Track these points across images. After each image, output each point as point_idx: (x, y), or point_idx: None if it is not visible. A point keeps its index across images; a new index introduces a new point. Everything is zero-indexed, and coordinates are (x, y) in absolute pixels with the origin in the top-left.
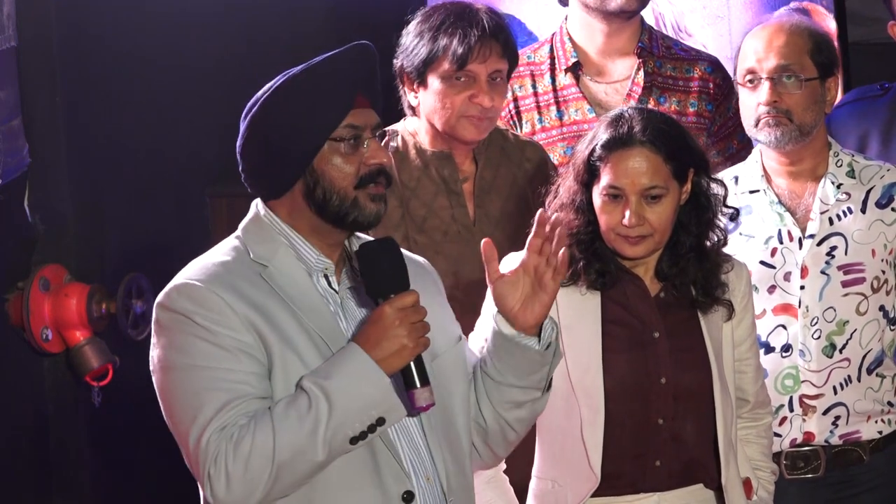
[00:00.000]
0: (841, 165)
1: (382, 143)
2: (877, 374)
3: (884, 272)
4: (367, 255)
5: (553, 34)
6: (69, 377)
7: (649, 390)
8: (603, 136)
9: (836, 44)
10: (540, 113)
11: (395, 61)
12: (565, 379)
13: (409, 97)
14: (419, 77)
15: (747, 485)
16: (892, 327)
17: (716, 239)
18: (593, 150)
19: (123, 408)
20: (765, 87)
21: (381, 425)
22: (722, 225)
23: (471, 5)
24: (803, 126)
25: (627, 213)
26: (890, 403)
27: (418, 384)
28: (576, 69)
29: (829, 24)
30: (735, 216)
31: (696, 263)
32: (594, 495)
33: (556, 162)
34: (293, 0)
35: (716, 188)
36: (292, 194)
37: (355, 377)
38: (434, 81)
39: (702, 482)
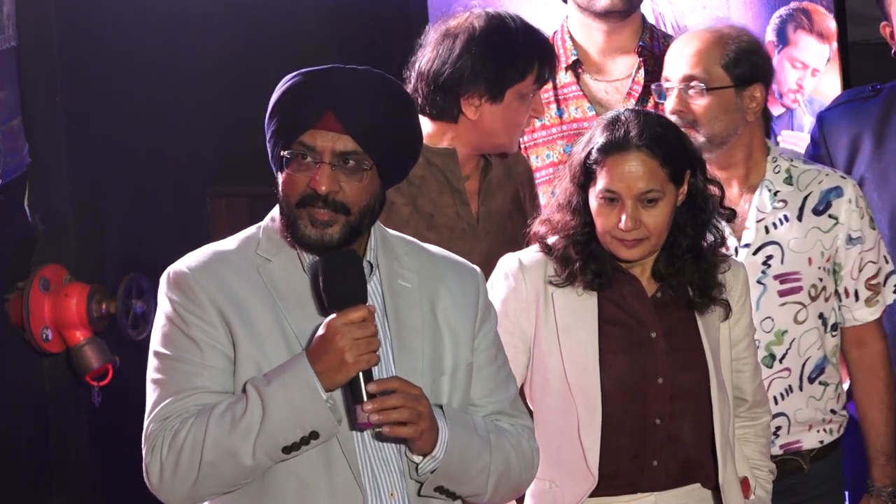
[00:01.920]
0: (779, 171)
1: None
2: (819, 383)
3: (821, 280)
4: (326, 267)
5: (555, 32)
6: (69, 377)
7: (646, 390)
8: (599, 139)
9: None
10: None
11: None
12: (562, 379)
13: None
14: (496, 92)
15: (745, 484)
16: (833, 334)
17: (712, 239)
18: (590, 152)
19: (123, 408)
20: (672, 95)
21: (314, 438)
22: (719, 225)
23: (524, 20)
24: (712, 136)
25: (624, 218)
26: (833, 411)
27: (364, 399)
28: (576, 67)
29: (830, 24)
30: (731, 217)
31: (692, 264)
32: (592, 495)
33: (555, 160)
34: (294, 1)
35: (712, 189)
36: None
37: (291, 388)
38: (511, 98)
39: (699, 482)
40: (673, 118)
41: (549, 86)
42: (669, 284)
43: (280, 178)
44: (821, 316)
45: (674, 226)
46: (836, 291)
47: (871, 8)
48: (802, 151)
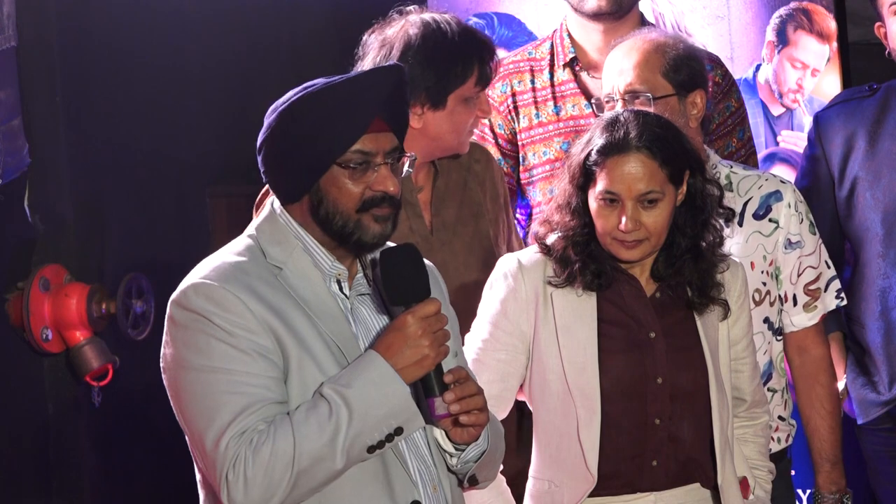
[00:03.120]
0: (719, 178)
1: (400, 164)
2: (767, 389)
3: (765, 284)
4: (388, 262)
5: (554, 31)
6: (69, 377)
7: (646, 391)
8: (598, 140)
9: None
10: (537, 108)
11: None
12: (562, 380)
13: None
14: (438, 99)
15: (744, 484)
16: (779, 339)
17: (711, 238)
18: (589, 154)
19: (123, 408)
20: (618, 108)
21: (398, 434)
22: (718, 225)
23: (459, 22)
24: None
25: (624, 219)
26: (781, 418)
27: (437, 392)
28: (573, 65)
29: (830, 24)
30: (730, 217)
31: (691, 264)
32: (591, 495)
33: (552, 157)
34: (294, 1)
35: (711, 189)
36: (301, 205)
37: (376, 386)
38: (454, 103)
39: (698, 481)
40: None
41: (547, 84)
42: (668, 284)
43: (322, 188)
44: (766, 320)
45: (673, 226)
46: (779, 296)
47: (870, 8)
48: (802, 151)
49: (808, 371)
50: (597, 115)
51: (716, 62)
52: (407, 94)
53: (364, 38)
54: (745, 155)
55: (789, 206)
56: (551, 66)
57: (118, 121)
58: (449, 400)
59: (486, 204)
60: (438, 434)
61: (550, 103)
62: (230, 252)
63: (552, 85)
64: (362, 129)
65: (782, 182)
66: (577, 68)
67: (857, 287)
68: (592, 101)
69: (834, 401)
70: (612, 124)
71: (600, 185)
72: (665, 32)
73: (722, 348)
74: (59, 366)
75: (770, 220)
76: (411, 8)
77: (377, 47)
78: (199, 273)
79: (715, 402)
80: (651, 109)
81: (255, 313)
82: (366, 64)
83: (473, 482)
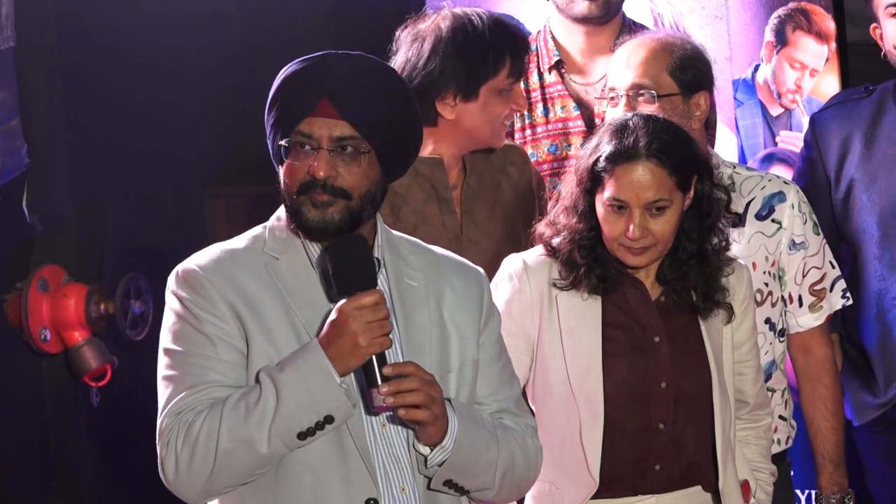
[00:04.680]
0: (721, 178)
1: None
2: (767, 389)
3: (767, 284)
4: (335, 253)
5: (538, 33)
6: (68, 378)
7: (650, 395)
8: (607, 147)
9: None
10: (529, 109)
11: (417, 71)
12: (565, 382)
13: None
14: (469, 90)
15: (745, 487)
16: (781, 339)
17: (715, 241)
18: (598, 159)
19: (122, 408)
20: (621, 104)
21: (329, 423)
22: (724, 228)
23: (492, 15)
24: None
25: (632, 227)
26: (781, 418)
27: (378, 383)
28: (559, 67)
29: (828, 24)
30: (737, 222)
31: (697, 268)
32: (592, 498)
33: (539, 159)
34: (293, 4)
35: (718, 193)
36: None
37: (305, 372)
38: (486, 95)
39: (700, 485)
40: None
41: (537, 85)
42: (673, 289)
43: (281, 169)
44: (768, 321)
45: (679, 230)
46: (782, 297)
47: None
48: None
49: (811, 372)
50: (595, 110)
51: None
52: (379, 88)
53: (397, 33)
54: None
55: (793, 207)
56: (538, 67)
57: (117, 121)
58: (383, 392)
59: (520, 206)
60: (414, 434)
61: (540, 105)
62: (237, 238)
63: (542, 86)
64: (306, 111)
65: (785, 183)
66: (563, 71)
67: (853, 289)
68: (595, 98)
69: (837, 401)
70: (622, 130)
71: (608, 191)
72: (672, 32)
73: (726, 352)
74: (57, 366)
75: (773, 221)
76: (444, 3)
77: (409, 42)
78: (193, 257)
79: (717, 406)
80: (654, 107)
81: (225, 299)
82: (398, 59)
83: (459, 490)
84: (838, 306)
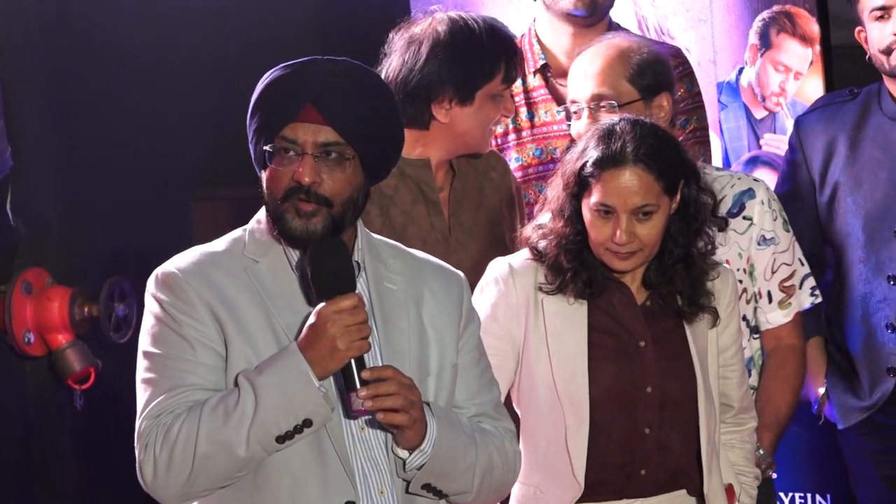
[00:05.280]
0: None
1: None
2: None
3: (741, 282)
4: (314, 257)
5: (522, 35)
6: (51, 380)
7: (635, 400)
8: (594, 152)
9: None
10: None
11: (413, 73)
12: (551, 387)
13: (430, 111)
14: (466, 95)
15: (730, 491)
16: (755, 337)
17: (702, 245)
18: (584, 164)
19: (105, 411)
20: (583, 116)
21: (308, 426)
22: (710, 232)
23: (486, 20)
24: None
25: (619, 232)
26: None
27: (357, 387)
28: (544, 71)
29: (812, 27)
30: (723, 226)
31: (683, 272)
32: (577, 502)
33: (524, 163)
34: (279, 4)
35: (704, 197)
36: None
37: (283, 376)
38: (481, 99)
39: (685, 488)
40: None
41: (521, 89)
42: (659, 293)
43: (264, 175)
44: (744, 318)
45: (666, 234)
46: (754, 293)
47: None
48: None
49: (781, 355)
50: (567, 122)
51: (672, 54)
52: (364, 94)
53: (390, 36)
54: (688, 146)
55: (762, 204)
56: (522, 71)
57: (101, 124)
58: (362, 396)
59: (503, 211)
60: (393, 438)
61: (524, 109)
62: (216, 241)
63: (525, 91)
64: (290, 116)
65: (755, 180)
66: (549, 74)
67: (838, 292)
68: (557, 110)
69: (799, 386)
70: (609, 135)
71: (595, 196)
72: (629, 37)
73: (711, 356)
74: (41, 369)
75: (744, 218)
76: (435, 7)
77: (405, 44)
78: (173, 260)
79: (702, 411)
80: (616, 115)
81: (204, 303)
82: (393, 62)
83: (438, 494)
84: (807, 304)
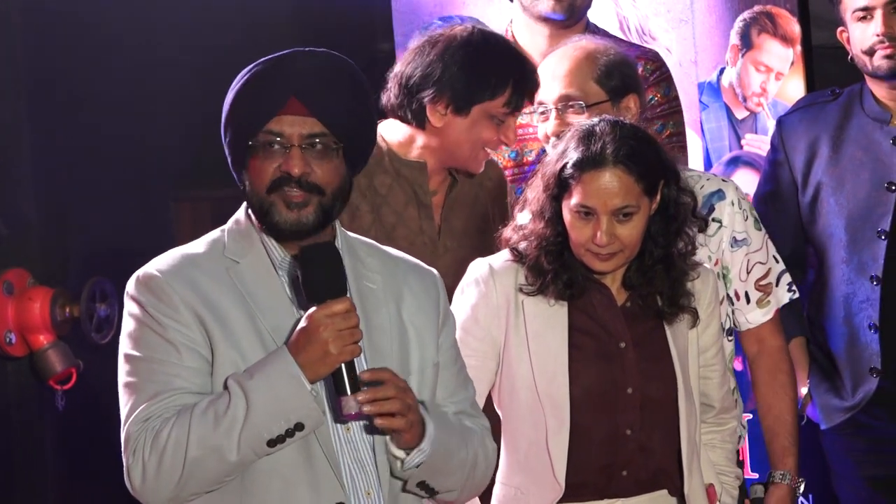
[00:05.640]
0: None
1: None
2: None
3: None
4: (306, 260)
5: None
6: (33, 381)
7: (616, 400)
8: (574, 154)
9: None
10: None
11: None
12: (532, 388)
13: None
14: (462, 104)
15: (711, 491)
16: (729, 339)
17: (681, 245)
18: (564, 165)
19: (87, 411)
20: (551, 117)
21: (299, 430)
22: (690, 233)
23: (510, 43)
24: None
25: (599, 234)
26: None
27: (348, 391)
28: None
29: (793, 27)
30: (703, 227)
31: (663, 273)
32: (558, 502)
33: (501, 165)
34: (261, 5)
35: (684, 198)
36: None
37: (275, 380)
38: (478, 114)
39: (666, 488)
40: (554, 140)
41: None
42: (639, 294)
43: (245, 171)
44: None
45: (646, 235)
46: (728, 295)
47: (834, 11)
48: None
49: (769, 361)
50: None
51: (649, 58)
52: (346, 85)
53: (414, 34)
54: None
55: (732, 204)
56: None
57: (82, 124)
58: (361, 400)
59: (495, 221)
60: (388, 437)
61: None
62: (195, 243)
63: None
64: (274, 109)
65: (724, 181)
66: None
67: (820, 292)
68: (526, 112)
69: (795, 390)
70: (589, 137)
71: (575, 198)
72: (598, 39)
73: (691, 356)
74: (22, 370)
75: (714, 220)
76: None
77: (422, 44)
78: (153, 262)
79: (683, 411)
80: (584, 116)
81: (188, 305)
82: (406, 58)
83: (430, 491)
84: (785, 300)
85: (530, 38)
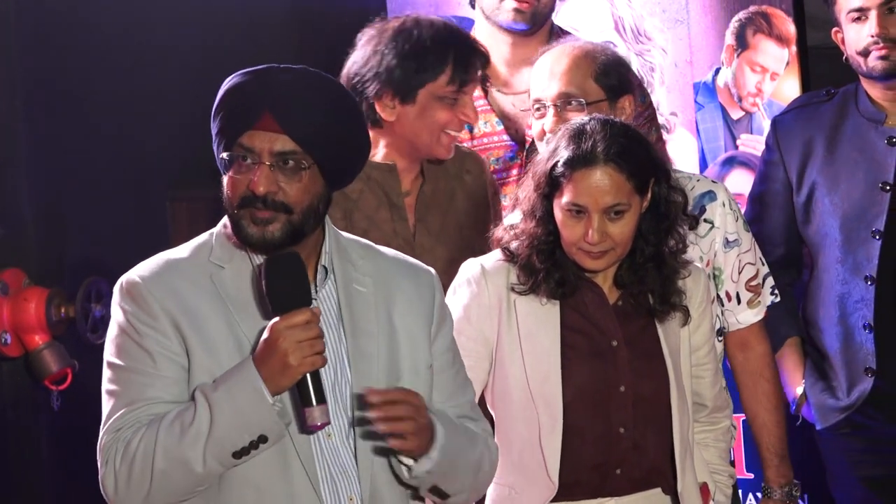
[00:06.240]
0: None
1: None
2: None
3: None
4: (270, 270)
5: None
6: (28, 381)
7: (609, 399)
8: (565, 152)
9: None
10: None
11: (360, 69)
12: (524, 387)
13: (377, 109)
14: (406, 92)
15: (704, 490)
16: (718, 339)
17: (672, 243)
18: (555, 164)
19: (82, 412)
20: (549, 114)
21: (263, 442)
22: (681, 231)
23: (448, 23)
24: None
25: (591, 232)
26: None
27: (313, 402)
28: (483, 81)
29: (789, 27)
30: (694, 225)
31: (654, 272)
32: (551, 501)
33: None
34: (255, 6)
35: (675, 196)
36: None
37: (237, 393)
38: (425, 99)
39: (660, 487)
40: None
41: None
42: (631, 292)
43: (224, 180)
44: None
45: (637, 233)
46: (718, 296)
47: (829, 12)
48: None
49: (752, 367)
50: (529, 125)
51: None
52: (322, 102)
53: (357, 37)
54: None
55: (724, 206)
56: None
57: (78, 124)
58: (374, 420)
59: (474, 215)
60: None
61: None
62: (181, 248)
63: None
64: (249, 123)
65: (714, 182)
66: (488, 85)
67: (815, 292)
68: (521, 111)
69: (779, 395)
70: (579, 135)
71: (567, 196)
72: (587, 40)
73: (683, 355)
74: (18, 370)
75: (705, 221)
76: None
77: (364, 42)
78: (136, 268)
79: (675, 409)
80: (584, 115)
81: (167, 313)
82: (349, 60)
83: (441, 495)
84: (768, 302)
85: (494, 46)
